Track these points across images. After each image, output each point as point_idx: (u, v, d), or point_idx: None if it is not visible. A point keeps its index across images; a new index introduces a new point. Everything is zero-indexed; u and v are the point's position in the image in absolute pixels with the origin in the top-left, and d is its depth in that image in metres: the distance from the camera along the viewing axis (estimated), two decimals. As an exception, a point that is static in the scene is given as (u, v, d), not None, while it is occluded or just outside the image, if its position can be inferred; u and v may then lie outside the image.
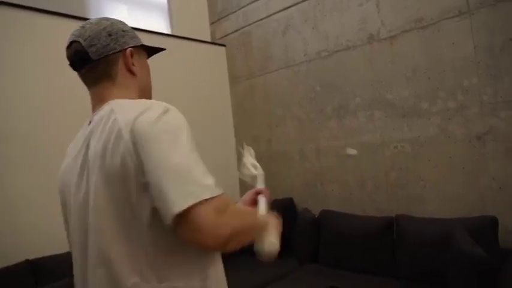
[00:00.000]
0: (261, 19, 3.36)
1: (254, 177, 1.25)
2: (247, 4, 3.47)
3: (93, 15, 2.91)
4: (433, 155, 2.37)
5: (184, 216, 0.65)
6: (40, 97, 2.38)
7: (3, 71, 2.25)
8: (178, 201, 0.65)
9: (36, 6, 2.38)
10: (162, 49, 0.98)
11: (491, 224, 1.99)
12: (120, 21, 0.88)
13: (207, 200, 0.66)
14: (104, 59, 0.83)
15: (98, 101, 0.85)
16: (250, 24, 3.47)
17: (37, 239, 2.29)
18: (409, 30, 2.42)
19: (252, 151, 1.40)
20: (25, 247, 2.21)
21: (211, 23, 3.83)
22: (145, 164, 0.69)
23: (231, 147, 3.72)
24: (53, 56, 2.13)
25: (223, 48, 3.72)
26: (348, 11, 2.74)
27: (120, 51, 0.85)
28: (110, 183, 0.72)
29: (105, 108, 0.80)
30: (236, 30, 3.61)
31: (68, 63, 0.85)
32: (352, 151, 1.65)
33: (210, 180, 0.70)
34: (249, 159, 1.35)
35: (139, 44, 0.90)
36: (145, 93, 0.93)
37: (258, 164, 1.32)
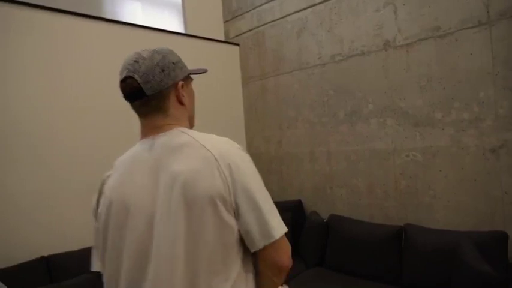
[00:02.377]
0: (276, 20, 3.35)
1: None
2: (262, 4, 3.45)
3: (108, 13, 2.93)
4: (445, 166, 2.36)
5: (277, 241, 0.82)
6: (43, 95, 2.36)
7: (3, 67, 2.22)
8: (278, 228, 0.83)
9: (54, 6, 2.39)
10: (205, 71, 1.03)
11: (501, 239, 1.98)
12: (170, 51, 0.92)
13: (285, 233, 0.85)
14: (158, 94, 0.87)
15: (151, 128, 0.90)
16: (264, 25, 3.46)
17: (52, 236, 2.35)
18: (426, 38, 2.39)
19: None
20: (40, 244, 2.28)
21: (225, 21, 3.83)
22: (240, 192, 0.81)
23: (242, 146, 3.74)
24: (56, 52, 2.10)
25: (236, 47, 3.72)
26: (364, 15, 2.71)
27: (172, 85, 0.89)
28: (203, 204, 0.79)
29: (175, 135, 0.87)
30: (250, 30, 3.60)
31: (122, 95, 0.89)
32: None
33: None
34: None
35: (187, 73, 0.95)
36: (192, 119, 1.00)
37: None
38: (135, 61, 0.86)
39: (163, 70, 0.87)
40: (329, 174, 3.04)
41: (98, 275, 2.30)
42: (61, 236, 2.37)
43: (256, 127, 3.66)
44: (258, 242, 0.81)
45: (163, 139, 0.87)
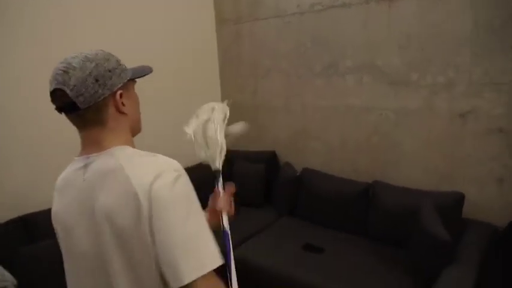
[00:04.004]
0: (252, -44, 3.04)
1: (213, 164, 1.11)
2: None
3: None
4: (415, 126, 2.44)
5: (189, 285, 0.72)
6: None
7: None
8: (187, 273, 0.72)
9: None
10: (149, 72, 0.93)
11: (458, 199, 2.15)
12: (105, 56, 0.81)
13: (209, 272, 0.74)
14: (93, 106, 0.79)
15: (90, 143, 0.84)
16: (239, -39, 3.14)
17: (28, 194, 2.33)
18: (410, -7, 2.28)
19: (225, 110, 1.17)
20: (16, 204, 2.26)
21: (196, -47, 3.43)
22: (157, 231, 0.73)
23: (217, 94, 3.65)
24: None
25: (209, -15, 3.40)
26: (348, -40, 2.51)
27: (109, 95, 0.81)
28: (122, 241, 0.76)
29: (107, 158, 0.81)
30: (224, -34, 3.27)
31: (54, 106, 0.81)
32: (236, 128, 1.27)
33: (214, 247, 0.78)
34: (217, 125, 1.11)
35: (126, 79, 0.85)
36: (136, 127, 0.93)
37: (223, 141, 1.10)
38: (64, 71, 0.76)
39: (97, 80, 0.78)
40: (303, 126, 3.07)
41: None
42: (36, 195, 2.36)
43: (230, 74, 3.53)
44: (171, 284, 0.75)
45: (96, 163, 0.82)
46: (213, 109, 1.18)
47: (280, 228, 2.72)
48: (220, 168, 1.12)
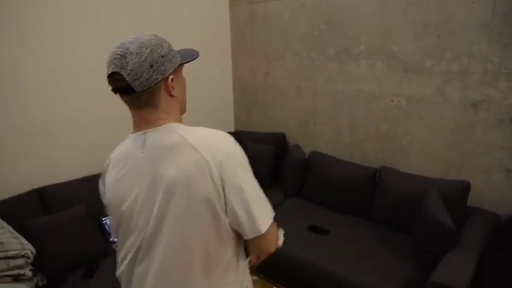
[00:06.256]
0: None
1: None
2: None
3: None
4: (426, 114, 2.44)
5: (265, 234, 0.91)
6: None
7: None
8: (265, 223, 0.91)
9: None
10: (196, 56, 1.01)
11: (464, 187, 2.17)
12: (158, 42, 0.86)
13: (273, 222, 0.94)
14: (147, 90, 0.85)
15: (142, 122, 0.90)
16: None
17: (44, 167, 2.41)
18: (430, -22, 2.23)
19: None
20: (32, 176, 2.34)
21: None
22: (231, 193, 0.86)
23: (228, 75, 3.66)
24: None
25: (223, -38, 3.35)
26: None
27: (161, 79, 0.87)
28: (196, 205, 0.85)
29: (166, 132, 0.88)
30: None
31: (110, 88, 0.87)
32: None
33: (269, 203, 0.96)
34: None
35: (177, 64, 0.91)
36: (183, 108, 1.00)
37: None
38: (122, 56, 0.82)
39: (151, 66, 0.83)
40: (314, 110, 3.09)
41: (91, 206, 2.42)
42: (51, 168, 2.44)
43: (243, 56, 3.53)
44: (248, 234, 0.91)
45: (155, 137, 0.89)
46: None
47: (286, 209, 2.78)
48: None
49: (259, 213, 0.90)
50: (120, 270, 0.98)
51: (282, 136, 3.32)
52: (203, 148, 0.85)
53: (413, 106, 2.49)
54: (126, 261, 0.96)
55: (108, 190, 0.95)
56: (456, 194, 2.17)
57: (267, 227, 0.91)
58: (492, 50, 2.10)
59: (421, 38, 2.34)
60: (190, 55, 0.98)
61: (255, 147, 3.18)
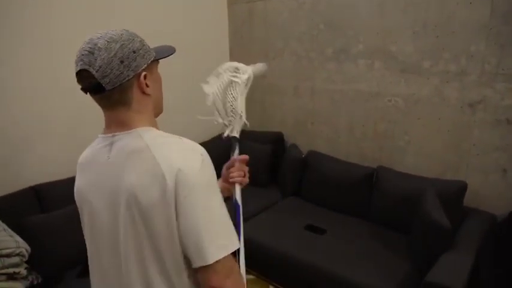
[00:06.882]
0: None
1: (231, 131, 1.08)
2: None
3: None
4: (423, 114, 2.44)
5: (212, 265, 0.77)
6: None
7: None
8: (211, 254, 0.76)
9: None
10: (172, 52, 0.94)
11: (461, 187, 2.18)
12: (129, 37, 0.82)
13: (228, 255, 0.79)
14: (118, 88, 0.80)
15: (114, 123, 0.85)
16: None
17: (41, 164, 2.40)
18: (428, -22, 2.24)
19: (249, 73, 1.10)
20: (29, 174, 2.33)
21: None
22: (183, 213, 0.76)
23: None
24: None
25: (222, -39, 3.35)
26: None
27: (133, 76, 0.81)
28: (145, 220, 0.78)
29: (133, 138, 0.82)
30: None
31: (79, 86, 0.82)
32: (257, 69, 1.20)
33: (233, 229, 0.83)
34: (237, 92, 1.05)
35: (150, 60, 0.86)
36: (159, 107, 0.94)
37: (243, 109, 1.07)
38: (89, 52, 0.76)
39: (122, 62, 0.78)
40: (312, 110, 3.08)
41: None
42: (48, 166, 2.43)
43: (241, 54, 3.52)
44: (195, 262, 0.79)
45: (121, 142, 0.83)
46: (235, 70, 1.11)
47: (284, 209, 2.78)
48: (238, 136, 1.10)
49: (210, 240, 0.77)
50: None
51: (280, 135, 3.31)
52: (164, 161, 0.77)
53: (411, 106, 2.49)
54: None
55: (75, 195, 0.91)
56: (453, 194, 2.17)
57: (217, 258, 0.76)
58: (490, 50, 2.10)
59: (420, 38, 2.35)
60: (165, 51, 0.92)
61: (253, 147, 3.17)
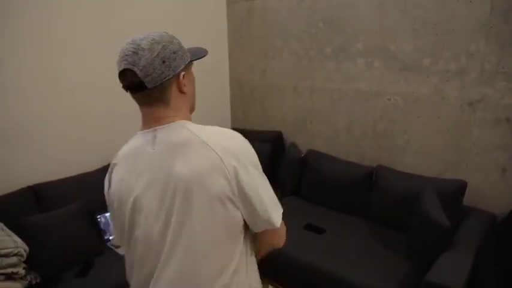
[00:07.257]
0: None
1: None
2: None
3: None
4: (423, 113, 2.44)
5: (277, 229, 0.95)
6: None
7: None
8: (278, 218, 0.93)
9: None
10: (206, 53, 1.00)
11: (460, 186, 2.18)
12: (170, 39, 0.86)
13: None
14: (159, 86, 0.84)
15: (153, 119, 0.89)
16: None
17: (39, 164, 2.39)
18: (428, -23, 2.23)
19: None
20: (27, 174, 2.32)
21: None
22: (245, 190, 0.85)
23: (225, 73, 3.64)
24: None
25: (221, -41, 3.33)
26: None
27: (173, 76, 0.86)
28: (213, 203, 0.84)
29: (178, 129, 0.88)
30: None
31: (121, 85, 0.86)
32: None
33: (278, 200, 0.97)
34: None
35: (188, 61, 0.91)
36: (193, 105, 0.99)
37: None
38: (133, 52, 0.81)
39: (163, 62, 0.83)
40: (311, 109, 3.08)
41: (86, 204, 2.38)
42: (46, 165, 2.42)
43: (240, 53, 3.51)
44: (260, 228, 0.93)
45: (165, 133, 0.88)
46: None
47: (283, 208, 2.76)
48: None
49: (273, 209, 0.92)
50: (134, 281, 0.96)
51: (279, 134, 3.31)
52: (216, 145, 0.84)
53: (410, 105, 2.49)
54: (137, 269, 0.93)
55: (115, 187, 0.92)
56: (452, 193, 2.17)
57: (280, 222, 0.94)
58: (489, 49, 2.10)
59: (419, 37, 2.34)
60: (199, 52, 0.98)
61: (252, 146, 3.16)
